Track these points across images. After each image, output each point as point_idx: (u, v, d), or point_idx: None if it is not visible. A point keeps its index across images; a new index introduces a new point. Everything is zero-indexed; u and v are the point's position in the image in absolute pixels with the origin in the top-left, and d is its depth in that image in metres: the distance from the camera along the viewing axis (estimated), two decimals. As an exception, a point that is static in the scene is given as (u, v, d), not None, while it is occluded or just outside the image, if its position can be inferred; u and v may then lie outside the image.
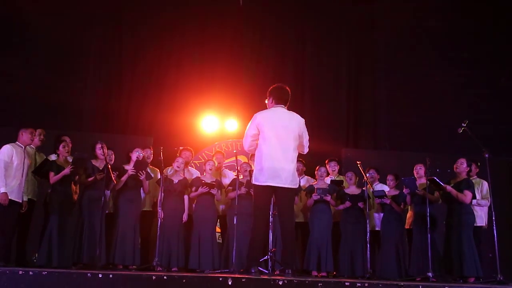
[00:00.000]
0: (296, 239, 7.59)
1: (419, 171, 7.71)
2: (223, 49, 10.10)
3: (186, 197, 7.59)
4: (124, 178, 7.28)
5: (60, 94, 9.29)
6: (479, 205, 7.55)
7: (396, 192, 7.78)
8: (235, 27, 10.27)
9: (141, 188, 7.47)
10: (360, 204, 7.60)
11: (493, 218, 6.72)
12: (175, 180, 7.54)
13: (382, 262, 7.61)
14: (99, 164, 7.20)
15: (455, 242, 6.95)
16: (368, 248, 7.28)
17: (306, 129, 5.66)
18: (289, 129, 5.51)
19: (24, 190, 6.84)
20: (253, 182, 5.56)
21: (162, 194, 7.23)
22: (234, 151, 8.19)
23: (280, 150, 5.42)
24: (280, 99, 5.63)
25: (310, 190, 7.74)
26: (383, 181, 8.11)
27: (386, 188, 7.90)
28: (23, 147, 6.91)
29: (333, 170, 8.21)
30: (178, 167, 7.63)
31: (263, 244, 5.63)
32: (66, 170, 6.77)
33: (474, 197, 7.16)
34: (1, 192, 6.57)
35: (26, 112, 9.06)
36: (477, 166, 7.72)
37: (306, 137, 5.65)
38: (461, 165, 7.20)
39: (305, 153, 5.78)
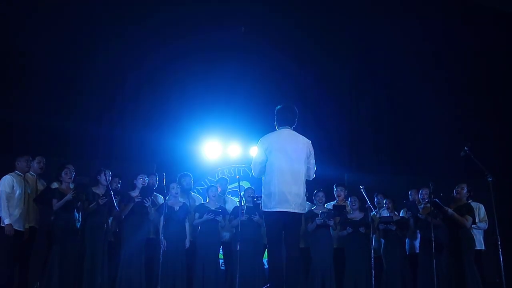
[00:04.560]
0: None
1: (424, 196, 7.70)
2: (225, 75, 10.16)
3: (187, 223, 7.55)
4: (129, 205, 7.27)
5: (62, 122, 9.31)
6: (478, 228, 7.54)
7: (398, 217, 7.76)
8: (238, 53, 10.34)
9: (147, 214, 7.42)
10: (361, 229, 7.55)
11: (499, 243, 6.65)
12: (176, 207, 7.51)
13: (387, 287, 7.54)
14: (100, 191, 7.19)
15: (456, 267, 6.90)
16: (373, 273, 7.20)
17: (313, 152, 5.42)
18: (298, 151, 5.28)
19: (25, 218, 6.81)
20: (263, 209, 5.34)
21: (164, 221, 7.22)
22: (237, 176, 8.17)
23: (289, 174, 5.20)
24: (285, 120, 5.42)
25: (310, 215, 7.68)
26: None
27: (385, 213, 7.88)
28: (23, 175, 6.92)
29: (339, 195, 8.15)
30: (176, 193, 7.60)
31: (283, 270, 5.35)
32: (68, 196, 6.77)
33: (474, 221, 7.15)
34: (6, 223, 6.57)
35: (28, 140, 9.07)
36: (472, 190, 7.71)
37: (313, 160, 5.40)
38: (462, 190, 7.21)
39: (311, 178, 5.50)
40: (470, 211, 7.05)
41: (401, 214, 7.89)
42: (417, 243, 7.76)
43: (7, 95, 9.29)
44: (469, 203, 7.29)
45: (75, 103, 9.73)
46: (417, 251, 7.72)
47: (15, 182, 6.78)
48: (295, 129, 5.49)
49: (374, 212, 7.83)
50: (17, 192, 6.76)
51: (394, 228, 7.58)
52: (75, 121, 9.56)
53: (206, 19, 10.10)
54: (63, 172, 7.02)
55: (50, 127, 9.15)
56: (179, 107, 10.01)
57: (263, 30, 10.37)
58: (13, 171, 6.90)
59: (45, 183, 7.21)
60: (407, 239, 7.83)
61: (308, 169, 5.39)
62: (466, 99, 10.32)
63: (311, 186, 8.00)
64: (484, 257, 7.73)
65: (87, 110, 9.86)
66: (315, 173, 5.49)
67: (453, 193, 7.25)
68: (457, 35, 10.29)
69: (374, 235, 7.64)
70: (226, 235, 7.87)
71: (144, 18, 10.02)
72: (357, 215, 7.79)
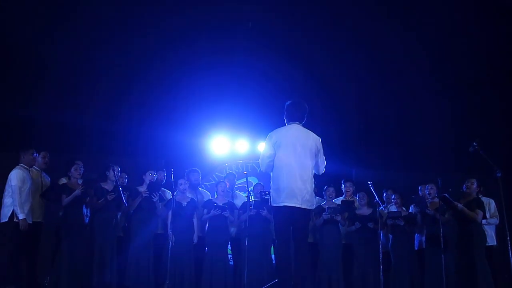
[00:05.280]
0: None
1: (430, 191, 7.68)
2: (233, 71, 10.15)
3: (195, 218, 7.58)
4: (137, 200, 7.30)
5: (71, 117, 9.34)
6: (488, 224, 7.50)
7: (406, 213, 7.75)
8: (245, 49, 10.33)
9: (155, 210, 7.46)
10: (370, 225, 7.55)
11: (508, 238, 6.62)
12: (184, 203, 7.54)
13: (395, 284, 7.53)
14: (108, 186, 7.22)
15: (468, 264, 6.86)
16: (381, 269, 7.20)
17: (322, 148, 5.41)
18: (306, 147, 5.28)
19: (32, 212, 6.85)
20: (272, 204, 5.34)
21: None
22: (245, 172, 8.19)
23: (297, 169, 5.20)
24: (295, 116, 5.43)
25: (319, 210, 7.69)
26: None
27: (393, 209, 7.88)
28: (28, 169, 6.94)
29: (347, 191, 8.14)
30: (184, 189, 7.63)
31: (290, 266, 5.33)
32: (77, 191, 6.79)
33: (484, 216, 7.10)
34: (21, 218, 6.59)
35: (37, 135, 9.11)
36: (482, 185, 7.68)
37: (322, 157, 5.40)
38: (472, 185, 7.16)
39: (320, 173, 5.50)
40: (480, 206, 7.02)
41: (410, 210, 7.87)
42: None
43: (15, 91, 9.32)
44: (479, 197, 7.25)
45: (84, 99, 9.75)
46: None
47: (25, 175, 6.80)
48: (304, 126, 5.49)
49: (382, 207, 7.81)
50: (27, 186, 6.79)
51: (402, 223, 7.58)
52: (83, 117, 9.59)
53: (214, 16, 10.08)
54: (73, 167, 7.04)
55: (58, 122, 9.18)
56: (187, 103, 10.02)
57: (271, 26, 10.34)
58: (17, 165, 6.90)
59: (49, 178, 7.24)
60: (416, 235, 7.80)
61: (317, 165, 5.39)
62: (475, 93, 10.26)
63: (320, 181, 8.04)
64: (497, 253, 7.65)
65: (95, 105, 9.89)
66: (325, 167, 5.49)
67: (463, 188, 7.22)
68: (463, 28, 10.22)
69: (381, 231, 7.64)
70: (233, 230, 7.89)
71: (152, 15, 10.01)
72: (365, 211, 7.78)
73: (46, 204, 7.12)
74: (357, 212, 7.78)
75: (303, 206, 5.21)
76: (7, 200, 6.69)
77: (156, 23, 9.94)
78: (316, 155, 5.36)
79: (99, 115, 9.87)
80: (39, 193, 7.02)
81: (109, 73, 10.04)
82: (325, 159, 5.50)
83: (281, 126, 5.53)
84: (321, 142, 5.48)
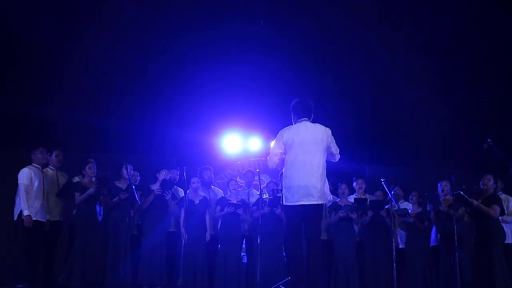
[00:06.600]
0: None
1: (444, 187, 7.61)
2: (246, 69, 10.14)
3: (207, 216, 7.60)
4: (150, 198, 7.33)
5: (85, 116, 9.39)
6: (504, 221, 7.39)
7: (419, 210, 7.70)
8: (257, 46, 10.32)
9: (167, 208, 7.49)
10: (382, 212, 7.53)
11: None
12: (196, 201, 7.56)
13: (409, 281, 7.49)
14: (122, 184, 7.26)
15: (485, 261, 6.78)
16: (394, 267, 7.16)
17: (333, 138, 5.40)
18: (318, 142, 5.27)
19: (47, 210, 6.90)
20: (284, 203, 5.32)
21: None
22: (257, 170, 8.19)
23: (311, 167, 5.20)
24: (302, 113, 5.44)
25: (335, 207, 7.68)
26: (407, 198, 8.03)
27: (409, 206, 7.83)
28: (40, 167, 7.00)
29: (360, 188, 8.11)
30: (197, 187, 7.64)
31: (303, 263, 5.31)
32: (91, 190, 6.85)
33: (502, 212, 7.02)
34: (25, 214, 6.66)
35: (50, 134, 9.16)
36: (502, 181, 7.59)
37: (334, 146, 5.40)
38: (489, 182, 7.07)
39: (336, 160, 5.48)
40: (497, 201, 6.93)
41: (428, 208, 7.79)
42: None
43: (29, 90, 9.37)
44: (496, 193, 7.16)
45: (98, 98, 9.79)
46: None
47: (33, 174, 6.85)
48: (313, 121, 5.48)
49: (394, 202, 7.76)
50: (36, 184, 6.84)
51: (411, 220, 7.54)
52: (97, 116, 9.63)
53: (226, 12, 10.08)
54: (86, 166, 7.10)
55: (72, 121, 9.23)
56: (200, 101, 10.03)
57: (284, 24, 10.31)
58: (30, 165, 6.97)
59: (66, 175, 7.29)
60: (433, 230, 7.73)
61: (332, 155, 5.39)
62: (489, 89, 10.17)
63: (334, 179, 8.01)
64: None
65: (109, 104, 9.92)
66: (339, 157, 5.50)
67: (480, 185, 7.14)
68: (478, 23, 10.12)
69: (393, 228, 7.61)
70: (245, 227, 7.89)
71: (164, 11, 10.02)
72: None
73: (65, 203, 7.17)
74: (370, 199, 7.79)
75: (319, 202, 5.20)
76: (16, 198, 6.79)
77: (170, 23, 9.96)
78: (329, 147, 5.35)
79: (113, 114, 9.91)
80: (56, 192, 7.08)
81: (123, 72, 10.07)
82: (340, 156, 5.50)
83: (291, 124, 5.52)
84: (336, 139, 5.46)
